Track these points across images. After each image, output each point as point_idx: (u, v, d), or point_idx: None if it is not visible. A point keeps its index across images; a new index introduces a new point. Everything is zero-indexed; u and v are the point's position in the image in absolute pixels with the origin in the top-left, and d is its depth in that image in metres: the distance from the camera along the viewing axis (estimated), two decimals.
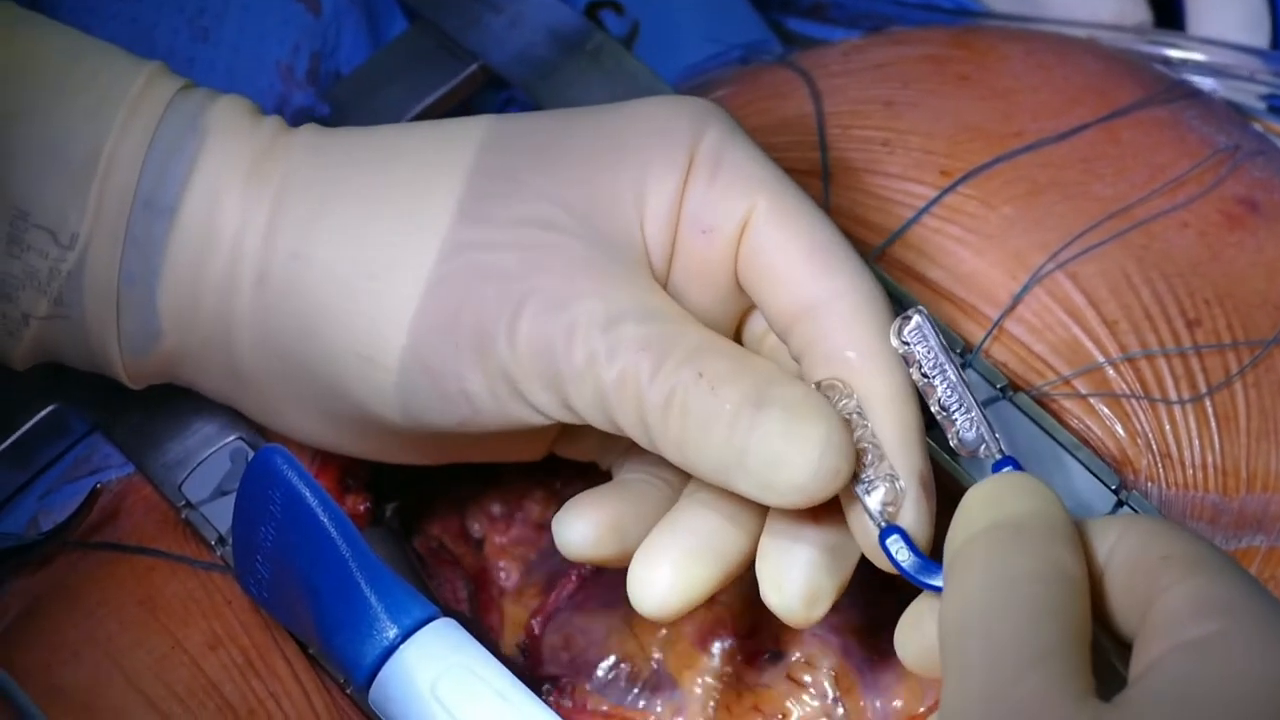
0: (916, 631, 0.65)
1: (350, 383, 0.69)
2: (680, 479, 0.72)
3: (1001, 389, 0.75)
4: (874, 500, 0.66)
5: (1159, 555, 0.59)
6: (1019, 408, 0.75)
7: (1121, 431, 0.75)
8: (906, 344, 0.67)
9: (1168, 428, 0.76)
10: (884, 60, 0.85)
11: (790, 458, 0.65)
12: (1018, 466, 0.65)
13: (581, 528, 0.70)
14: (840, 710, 0.75)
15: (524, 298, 0.67)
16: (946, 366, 0.67)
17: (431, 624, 0.67)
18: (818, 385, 0.67)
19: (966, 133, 0.81)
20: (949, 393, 0.67)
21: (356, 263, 0.69)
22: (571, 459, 0.76)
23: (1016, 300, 0.77)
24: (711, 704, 0.76)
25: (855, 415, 0.66)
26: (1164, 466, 0.75)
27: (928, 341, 0.67)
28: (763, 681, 0.76)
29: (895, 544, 0.65)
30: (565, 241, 0.68)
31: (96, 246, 0.69)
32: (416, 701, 0.66)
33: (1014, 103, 0.82)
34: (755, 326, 0.72)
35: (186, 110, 0.70)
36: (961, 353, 0.76)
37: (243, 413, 0.74)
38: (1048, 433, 0.75)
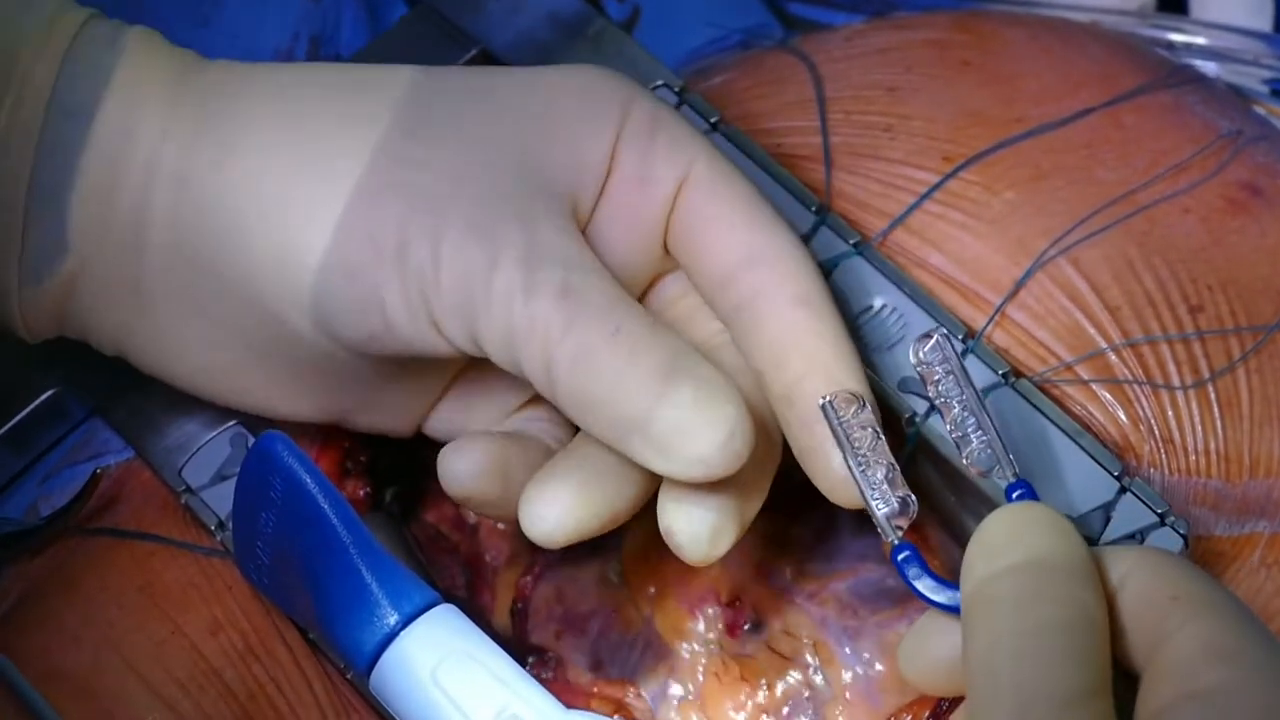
0: (923, 649, 0.65)
1: (265, 286, 0.69)
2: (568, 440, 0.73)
3: (1004, 375, 0.75)
4: (886, 515, 0.66)
5: (1168, 594, 0.60)
6: (1021, 394, 0.75)
7: (1124, 417, 0.75)
8: (925, 363, 0.67)
9: (1170, 413, 0.75)
10: (886, 45, 0.85)
11: (699, 432, 0.65)
12: (1031, 489, 0.66)
13: (467, 460, 0.70)
14: (820, 679, 0.75)
15: (451, 219, 0.67)
16: (964, 387, 0.67)
17: (432, 610, 0.67)
18: (830, 400, 0.67)
19: (969, 118, 0.81)
20: (965, 413, 0.67)
21: (283, 163, 0.69)
22: (437, 438, 0.76)
23: (1019, 286, 0.77)
24: (700, 669, 0.76)
25: (871, 430, 0.67)
26: (1166, 452, 0.75)
27: (948, 362, 0.67)
28: (745, 652, 0.76)
29: (908, 561, 0.66)
30: (495, 173, 0.69)
31: (8, 160, 0.68)
32: (417, 688, 0.66)
33: (1016, 88, 0.82)
34: (665, 291, 0.73)
35: (102, 30, 0.70)
36: (963, 339, 0.76)
37: (132, 356, 0.73)
38: (1050, 419, 0.74)
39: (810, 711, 0.75)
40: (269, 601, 0.73)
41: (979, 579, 0.62)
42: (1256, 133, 0.82)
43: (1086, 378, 0.76)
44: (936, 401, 0.68)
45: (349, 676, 0.72)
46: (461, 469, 0.70)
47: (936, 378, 0.68)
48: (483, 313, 0.67)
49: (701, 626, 0.77)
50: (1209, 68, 0.87)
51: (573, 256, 0.68)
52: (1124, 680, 0.61)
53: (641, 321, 0.67)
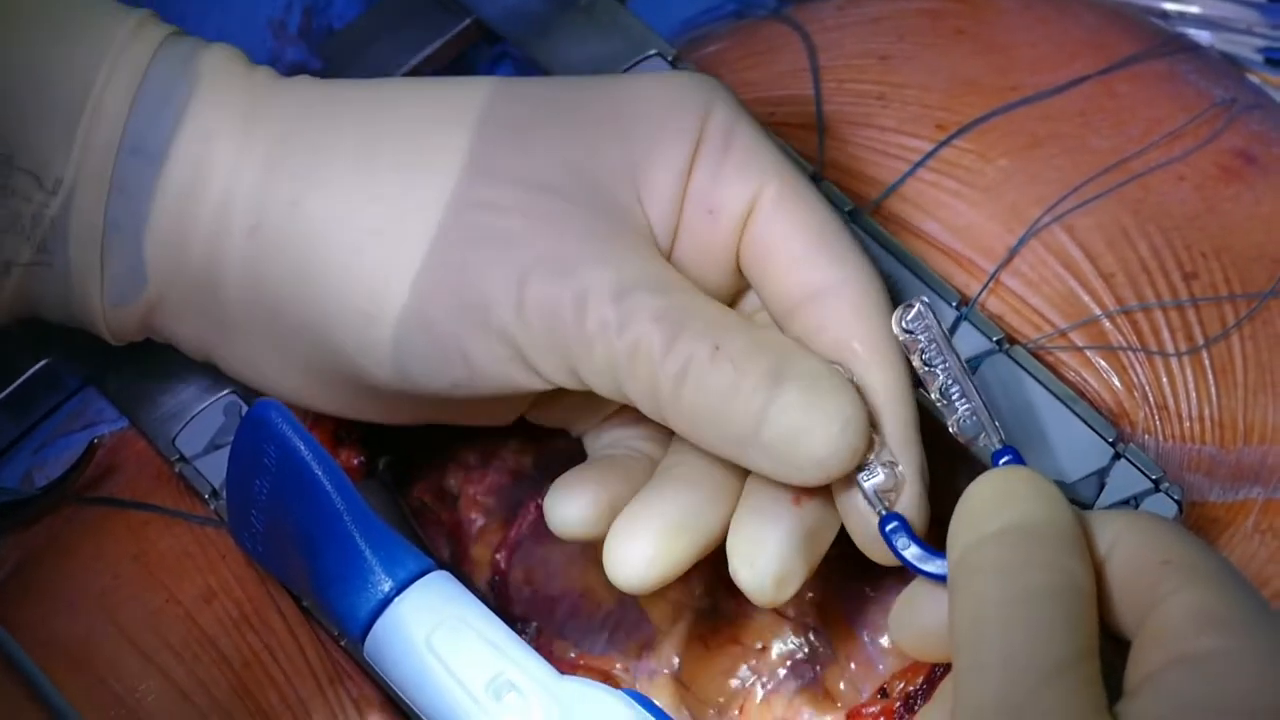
0: (913, 617, 0.65)
1: (343, 337, 0.69)
2: (660, 453, 0.72)
3: (997, 342, 0.75)
4: (874, 487, 0.66)
5: (1159, 559, 0.60)
6: (1015, 360, 0.75)
7: (1118, 384, 0.75)
8: (909, 332, 0.67)
9: (1164, 380, 0.75)
10: (879, 14, 0.85)
11: (811, 433, 0.65)
12: (1018, 455, 0.66)
13: (577, 506, 0.69)
14: (820, 641, 0.75)
15: (532, 263, 0.67)
16: (948, 355, 0.67)
17: (426, 576, 0.67)
18: None
19: (962, 86, 0.81)
20: (950, 381, 0.67)
21: (358, 215, 0.68)
22: (541, 424, 0.76)
23: (1013, 253, 0.77)
24: (684, 638, 0.76)
25: None
26: (1161, 419, 0.75)
27: (930, 330, 0.67)
28: (742, 611, 0.76)
29: (896, 531, 0.66)
30: (572, 209, 0.68)
31: (82, 192, 0.68)
32: (412, 654, 0.66)
33: (1010, 57, 0.82)
34: (745, 307, 0.72)
35: (176, 56, 0.69)
36: (957, 306, 0.76)
37: (221, 368, 0.73)
38: (1044, 385, 0.74)
39: (809, 675, 0.75)
40: (263, 570, 0.73)
41: (963, 546, 0.61)
42: (1251, 101, 0.83)
43: (1081, 344, 0.76)
44: (921, 371, 0.68)
45: (343, 644, 0.72)
46: (571, 516, 0.69)
47: (920, 346, 0.68)
48: (579, 350, 0.66)
49: (695, 589, 0.76)
50: (1203, 37, 0.87)
51: (658, 279, 0.67)
52: (1114, 646, 0.61)
53: (741, 330, 0.67)
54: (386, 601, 0.67)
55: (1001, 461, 0.66)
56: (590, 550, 0.78)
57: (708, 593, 0.76)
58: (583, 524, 0.69)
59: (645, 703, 0.67)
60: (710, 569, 0.76)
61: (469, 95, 0.70)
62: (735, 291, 0.71)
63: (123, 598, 0.73)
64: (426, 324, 0.68)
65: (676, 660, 0.75)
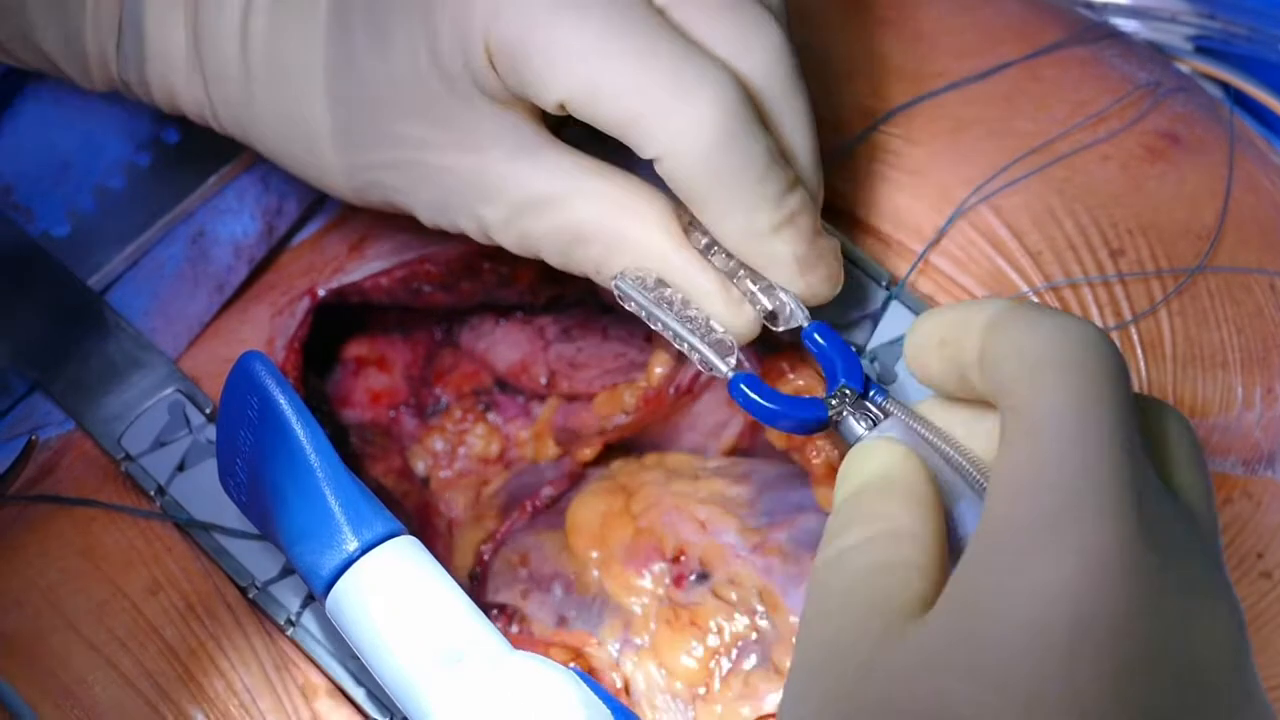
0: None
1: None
2: None
3: None
4: (714, 353, 0.69)
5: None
6: None
7: None
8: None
9: None
10: (805, 6, 0.86)
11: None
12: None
13: None
14: (766, 624, 0.76)
15: None
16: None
17: (393, 541, 0.68)
18: (623, 275, 0.71)
19: (889, 74, 0.82)
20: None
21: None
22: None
23: (941, 233, 0.78)
24: (652, 619, 0.77)
25: (678, 300, 0.70)
26: None
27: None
28: (694, 600, 0.77)
29: (750, 384, 0.69)
30: None
31: None
32: (369, 616, 0.66)
33: (936, 44, 0.83)
34: None
35: None
36: (887, 285, 0.77)
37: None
38: None
39: (759, 653, 0.76)
40: (209, 562, 0.74)
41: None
42: (1175, 84, 0.84)
43: None
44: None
45: (289, 633, 0.73)
46: None
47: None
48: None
49: (649, 582, 0.78)
50: (1129, 26, 0.88)
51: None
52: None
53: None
54: (350, 561, 0.67)
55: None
56: (565, 538, 0.80)
57: (657, 583, 0.78)
58: None
59: (588, 680, 0.68)
60: (661, 562, 0.77)
61: None
62: None
63: (69, 591, 0.74)
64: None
65: (646, 637, 0.77)
